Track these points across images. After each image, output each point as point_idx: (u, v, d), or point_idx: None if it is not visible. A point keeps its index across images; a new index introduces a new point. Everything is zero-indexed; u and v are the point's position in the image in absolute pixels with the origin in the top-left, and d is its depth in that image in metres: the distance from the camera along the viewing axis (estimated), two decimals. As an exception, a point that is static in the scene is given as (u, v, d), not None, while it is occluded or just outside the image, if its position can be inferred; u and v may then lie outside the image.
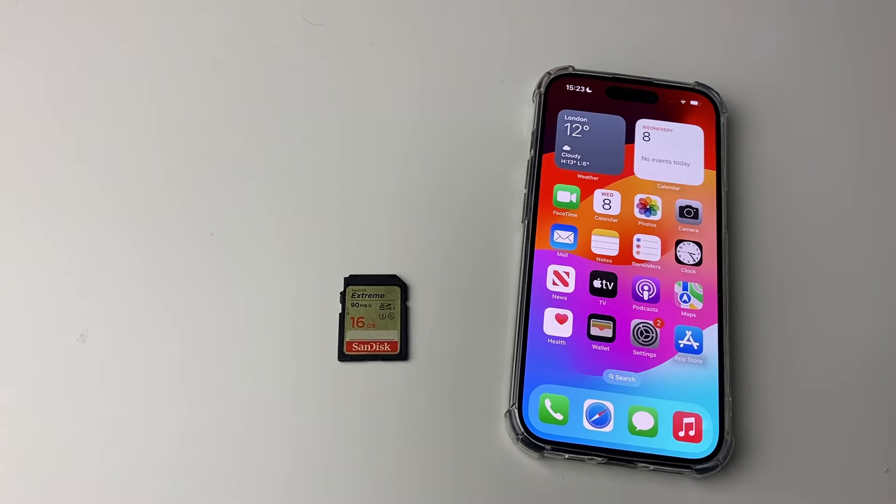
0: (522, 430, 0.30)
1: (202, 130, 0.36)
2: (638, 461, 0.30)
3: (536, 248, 0.33)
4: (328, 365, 0.32)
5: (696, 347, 0.32)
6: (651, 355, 0.32)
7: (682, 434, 0.30)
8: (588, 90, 0.36)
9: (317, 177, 0.35)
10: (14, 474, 0.30)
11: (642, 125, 0.36)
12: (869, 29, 0.40)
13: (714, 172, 0.35)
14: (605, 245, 0.33)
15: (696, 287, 0.33)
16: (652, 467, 0.30)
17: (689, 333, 0.32)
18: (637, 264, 0.33)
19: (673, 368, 0.31)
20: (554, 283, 0.33)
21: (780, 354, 0.33)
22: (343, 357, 0.32)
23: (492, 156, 0.36)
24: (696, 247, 0.33)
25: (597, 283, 0.33)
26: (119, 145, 0.36)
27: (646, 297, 0.32)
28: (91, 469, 0.30)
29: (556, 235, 0.33)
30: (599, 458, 0.30)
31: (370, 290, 0.33)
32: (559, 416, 0.30)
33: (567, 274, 0.33)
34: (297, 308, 0.33)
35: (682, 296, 0.33)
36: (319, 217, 0.35)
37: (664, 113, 0.36)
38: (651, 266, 0.33)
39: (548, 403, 0.31)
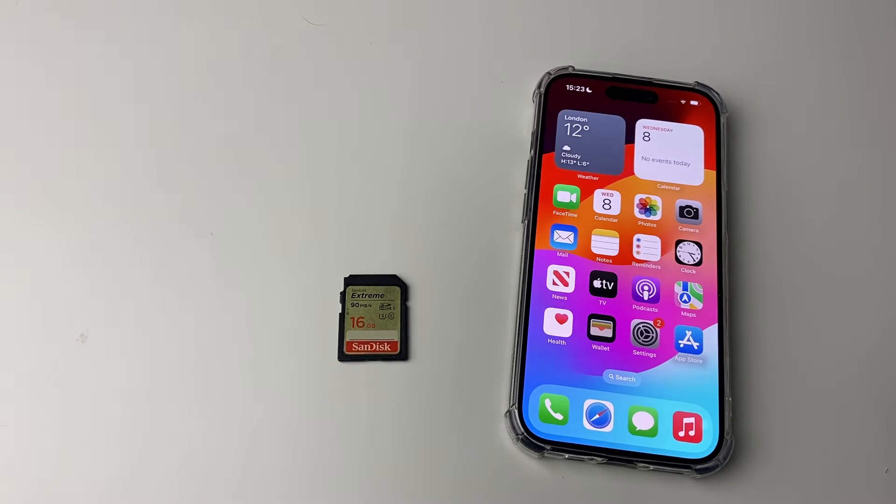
0: (522, 430, 0.30)
1: (202, 130, 0.36)
2: (638, 461, 0.30)
3: (536, 248, 0.33)
4: (328, 365, 0.32)
5: (696, 347, 0.32)
6: (651, 355, 0.32)
7: (682, 434, 0.30)
8: (588, 90, 0.36)
9: (317, 177, 0.35)
10: (14, 474, 0.30)
11: (642, 125, 0.36)
12: (869, 29, 0.40)
13: (714, 172, 0.35)
14: (605, 245, 0.33)
15: (696, 287, 0.33)
16: (652, 467, 0.30)
17: (689, 333, 0.32)
18: (637, 264, 0.33)
19: (673, 368, 0.31)
20: (554, 283, 0.33)
21: (780, 354, 0.33)
22: (343, 357, 0.32)
23: (492, 156, 0.36)
24: (696, 247, 0.33)
25: (597, 283, 0.33)
26: (119, 145, 0.36)
27: (646, 297, 0.33)
28: (91, 469, 0.30)
29: (556, 235, 0.33)
30: (599, 458, 0.30)
31: (370, 290, 0.33)
32: (559, 416, 0.30)
33: (567, 274, 0.33)
34: (297, 308, 0.33)
35: (682, 296, 0.33)
36: (319, 217, 0.35)
37: (664, 113, 0.36)
38: (651, 266, 0.33)
39: (548, 403, 0.31)
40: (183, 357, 0.32)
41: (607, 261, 0.33)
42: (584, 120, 0.36)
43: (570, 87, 0.36)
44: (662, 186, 0.35)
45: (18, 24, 0.38)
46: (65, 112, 0.36)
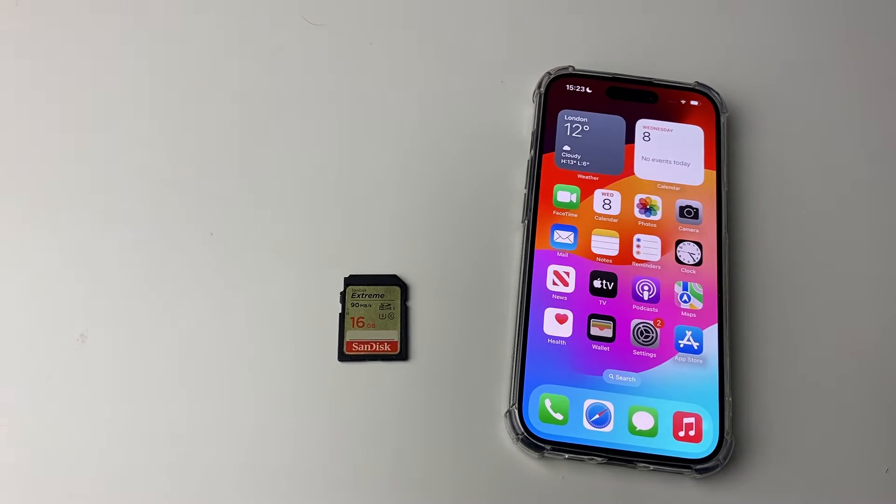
0: (522, 430, 0.30)
1: (202, 130, 0.36)
2: (638, 461, 0.30)
3: (536, 248, 0.33)
4: (328, 365, 0.32)
5: (696, 347, 0.32)
6: (651, 355, 0.32)
7: (682, 434, 0.30)
8: (588, 90, 0.36)
9: (317, 177, 0.35)
10: (14, 474, 0.30)
11: (642, 125, 0.36)
12: (869, 29, 0.40)
13: (714, 172, 0.35)
14: (605, 245, 0.33)
15: (696, 287, 0.33)
16: (652, 467, 0.30)
17: (689, 333, 0.32)
18: (637, 264, 0.33)
19: (673, 368, 0.31)
20: (554, 283, 0.33)
21: (780, 354, 0.33)
22: (343, 357, 0.32)
23: (492, 156, 0.36)
24: (696, 247, 0.33)
25: (597, 283, 0.33)
26: (119, 145, 0.36)
27: (646, 297, 0.32)
28: (91, 469, 0.30)
29: (556, 235, 0.33)
30: (599, 458, 0.30)
31: (370, 290, 0.33)
32: (559, 416, 0.30)
33: (567, 274, 0.33)
34: (297, 308, 0.33)
35: (682, 296, 0.33)
36: (319, 217, 0.35)
37: (664, 113, 0.36)
38: (651, 266, 0.33)
39: (548, 403, 0.31)
40: (183, 357, 0.32)
41: (607, 261, 0.33)
42: (584, 120, 0.36)
43: (570, 87, 0.36)
44: (662, 186, 0.35)
45: (18, 24, 0.38)
46: (65, 112, 0.36)
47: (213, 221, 0.34)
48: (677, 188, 0.34)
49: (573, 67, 0.36)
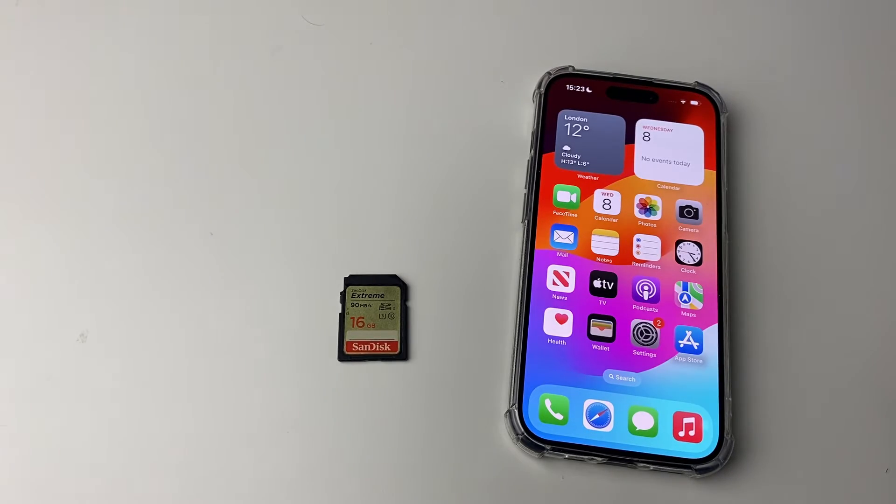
0: (522, 430, 0.30)
1: (202, 130, 0.36)
2: (638, 461, 0.30)
3: (536, 248, 0.33)
4: (328, 365, 0.32)
5: (696, 347, 0.32)
6: (651, 355, 0.32)
7: (682, 434, 0.30)
8: (588, 90, 0.36)
9: (317, 177, 0.35)
10: (14, 474, 0.30)
11: (642, 125, 0.36)
12: (869, 29, 0.40)
13: (714, 172, 0.35)
14: (605, 245, 0.33)
15: (696, 287, 0.33)
16: (652, 467, 0.30)
17: (689, 333, 0.32)
18: (637, 264, 0.33)
19: (673, 368, 0.31)
20: (554, 283, 0.33)
21: (780, 354, 0.33)
22: (343, 357, 0.32)
23: (492, 156, 0.36)
24: (696, 247, 0.33)
25: (597, 283, 0.33)
26: (119, 145, 0.36)
27: (646, 297, 0.33)
28: (91, 469, 0.30)
29: (556, 235, 0.33)
30: (599, 458, 0.30)
31: (370, 290, 0.33)
32: (559, 416, 0.30)
33: (567, 274, 0.33)
34: (297, 308, 0.33)
35: (682, 296, 0.33)
36: (319, 217, 0.35)
37: (664, 113, 0.36)
38: (651, 266, 0.33)
39: (548, 403, 0.31)
40: (183, 357, 0.32)
41: (607, 261, 0.33)
42: (584, 120, 0.36)
43: (570, 87, 0.36)
44: (662, 186, 0.35)
45: (18, 24, 0.38)
46: (65, 112, 0.36)
47: (213, 221, 0.34)
48: (677, 188, 0.34)
49: (573, 67, 0.36)
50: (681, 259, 0.33)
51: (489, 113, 0.37)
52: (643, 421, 0.30)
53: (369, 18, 0.39)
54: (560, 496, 0.31)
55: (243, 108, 0.37)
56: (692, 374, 0.31)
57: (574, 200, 0.34)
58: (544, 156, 0.35)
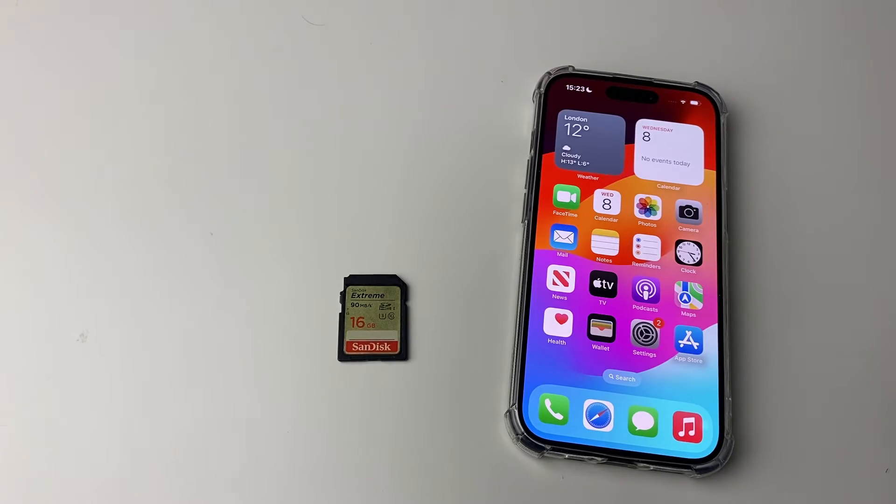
0: (522, 430, 0.30)
1: (202, 130, 0.36)
2: (638, 461, 0.30)
3: (536, 248, 0.33)
4: (328, 365, 0.32)
5: (696, 347, 0.32)
6: (651, 355, 0.32)
7: (682, 434, 0.30)
8: (588, 90, 0.36)
9: (317, 176, 0.35)
10: (14, 474, 0.30)
11: (642, 125, 0.36)
12: (869, 29, 0.40)
13: (714, 172, 0.35)
14: (605, 245, 0.33)
15: (696, 287, 0.33)
16: (652, 467, 0.30)
17: (689, 333, 0.32)
18: (637, 264, 0.33)
19: (673, 368, 0.31)
20: (554, 283, 0.33)
21: (780, 354, 0.33)
22: (343, 357, 0.32)
23: (492, 156, 0.36)
24: (696, 247, 0.33)
25: (597, 283, 0.33)
26: (119, 145, 0.36)
27: (646, 297, 0.32)
28: (91, 469, 0.30)
29: (556, 235, 0.33)
30: (599, 458, 0.30)
31: (370, 290, 0.33)
32: (559, 416, 0.30)
33: (567, 274, 0.33)
34: (297, 308, 0.33)
35: (682, 296, 0.33)
36: (319, 217, 0.35)
37: (664, 113, 0.36)
38: (651, 266, 0.33)
39: (548, 403, 0.31)
40: (183, 357, 0.32)
41: (607, 261, 0.33)
42: (584, 120, 0.36)
43: (570, 87, 0.36)
44: (662, 186, 0.35)
45: (18, 24, 0.38)
46: (65, 112, 0.36)
47: (213, 221, 0.34)
48: (677, 188, 0.34)
49: (573, 67, 0.36)
50: (681, 259, 0.33)
51: (489, 113, 0.37)
52: (643, 421, 0.30)
53: (369, 18, 0.39)
54: (560, 496, 0.31)
55: (243, 108, 0.37)
56: (692, 374, 0.31)
57: (574, 200, 0.34)
58: (544, 156, 0.35)
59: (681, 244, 0.34)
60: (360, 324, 0.33)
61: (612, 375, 0.31)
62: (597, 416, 0.30)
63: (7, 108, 0.36)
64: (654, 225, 0.34)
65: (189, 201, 0.35)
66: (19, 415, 0.31)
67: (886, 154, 0.37)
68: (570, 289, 0.33)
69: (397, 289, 0.33)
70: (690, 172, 0.35)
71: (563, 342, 0.32)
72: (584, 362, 0.31)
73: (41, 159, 0.35)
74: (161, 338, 0.32)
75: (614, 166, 0.35)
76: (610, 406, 0.31)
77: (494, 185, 0.35)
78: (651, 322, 0.32)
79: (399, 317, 0.33)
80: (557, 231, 0.33)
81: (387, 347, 0.32)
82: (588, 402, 0.31)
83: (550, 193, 0.34)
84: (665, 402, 0.31)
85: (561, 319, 0.32)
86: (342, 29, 0.38)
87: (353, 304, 0.33)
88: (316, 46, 0.38)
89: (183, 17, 0.38)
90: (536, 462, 0.31)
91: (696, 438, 0.30)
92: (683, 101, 0.36)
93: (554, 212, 0.34)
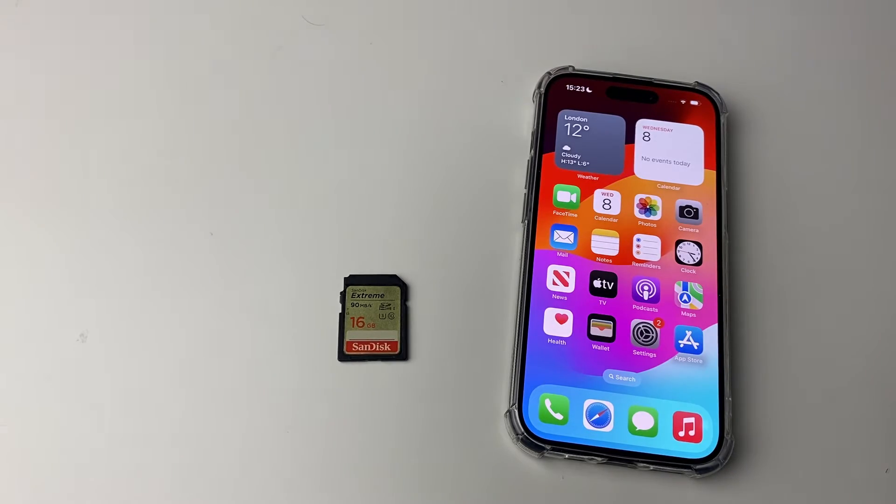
0: (522, 430, 0.30)
1: (202, 130, 0.36)
2: (638, 461, 0.30)
3: (536, 248, 0.33)
4: (328, 365, 0.32)
5: (696, 347, 0.32)
6: (651, 355, 0.32)
7: (682, 434, 0.30)
8: (588, 90, 0.36)
9: (317, 177, 0.35)
10: (14, 474, 0.30)
11: (642, 125, 0.36)
12: (869, 29, 0.40)
13: (714, 172, 0.35)
14: (605, 245, 0.33)
15: (696, 287, 0.33)
16: (652, 467, 0.30)
17: (689, 333, 0.32)
18: (637, 264, 0.33)
19: (673, 368, 0.31)
20: (554, 283, 0.33)
21: (780, 354, 0.33)
22: (343, 357, 0.32)
23: (492, 156, 0.36)
24: (696, 247, 0.34)
25: (597, 283, 0.33)
26: (119, 145, 0.36)
27: (646, 297, 0.32)
28: (91, 469, 0.30)
29: (556, 235, 0.33)
30: (599, 458, 0.30)
31: (370, 290, 0.33)
32: (559, 416, 0.30)
33: (567, 274, 0.33)
34: (297, 308, 0.33)
35: (682, 296, 0.33)
36: (319, 217, 0.35)
37: (664, 113, 0.36)
38: (651, 266, 0.33)
39: (548, 403, 0.31)
40: (183, 357, 0.32)
41: (607, 261, 0.33)
42: (584, 120, 0.36)
43: (570, 87, 0.36)
44: (662, 186, 0.35)
45: (18, 24, 0.38)
46: (65, 112, 0.36)
47: (213, 221, 0.34)
48: (677, 188, 0.34)
49: (573, 67, 0.36)
50: (681, 259, 0.33)
51: (489, 113, 0.37)
52: (643, 421, 0.30)
53: (369, 18, 0.39)
54: (560, 496, 0.31)
55: (243, 108, 0.37)
56: (692, 374, 0.31)
57: (574, 200, 0.34)
58: (544, 156, 0.35)
59: (681, 244, 0.34)
60: (360, 324, 0.33)
61: (612, 375, 0.31)
62: (597, 416, 0.30)
63: (7, 108, 0.36)
64: (654, 225, 0.34)
65: (189, 201, 0.35)
66: (19, 415, 0.31)
67: (886, 154, 0.37)
68: (570, 289, 0.33)
69: (397, 289, 0.33)
70: (690, 172, 0.35)
71: (563, 342, 0.32)
72: (584, 362, 0.31)
73: (41, 158, 0.35)
74: (161, 338, 0.32)
75: (614, 166, 0.35)
76: (610, 406, 0.31)
77: (494, 185, 0.35)
78: (651, 322, 0.32)
79: (399, 317, 0.33)
80: (557, 231, 0.33)
81: (387, 347, 0.32)
82: (588, 402, 0.31)
83: (550, 193, 0.34)
84: (665, 402, 0.31)
85: (561, 319, 0.32)
86: (342, 29, 0.38)
87: (353, 304, 0.33)
88: (316, 46, 0.38)
89: (183, 17, 0.38)
90: (536, 462, 0.31)
91: (696, 438, 0.30)
92: (683, 101, 0.36)
93: (554, 212, 0.34)
